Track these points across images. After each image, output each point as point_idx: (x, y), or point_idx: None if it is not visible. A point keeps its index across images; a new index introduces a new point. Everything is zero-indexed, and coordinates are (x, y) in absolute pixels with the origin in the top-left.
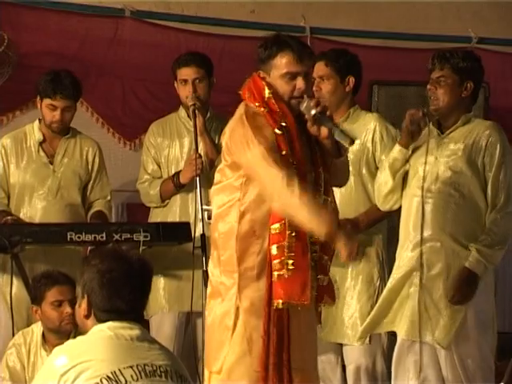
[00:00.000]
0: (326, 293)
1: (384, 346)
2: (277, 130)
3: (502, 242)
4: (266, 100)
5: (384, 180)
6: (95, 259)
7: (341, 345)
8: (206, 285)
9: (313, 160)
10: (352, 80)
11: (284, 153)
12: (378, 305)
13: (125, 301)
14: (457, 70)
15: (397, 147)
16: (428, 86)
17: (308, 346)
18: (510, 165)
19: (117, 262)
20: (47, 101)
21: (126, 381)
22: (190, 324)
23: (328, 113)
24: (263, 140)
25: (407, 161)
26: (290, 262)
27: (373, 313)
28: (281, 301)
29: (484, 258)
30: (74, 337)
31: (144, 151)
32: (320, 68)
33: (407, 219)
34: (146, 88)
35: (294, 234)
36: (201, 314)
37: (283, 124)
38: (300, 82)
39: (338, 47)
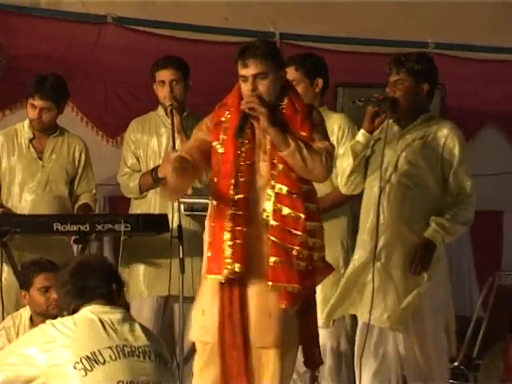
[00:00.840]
0: (283, 274)
1: (348, 327)
2: (208, 123)
3: (462, 222)
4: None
5: (347, 163)
6: (62, 269)
7: None
8: (183, 271)
9: (266, 151)
10: (321, 82)
11: (215, 143)
12: (339, 290)
13: (97, 281)
14: (412, 72)
15: (360, 132)
16: (387, 89)
17: (262, 325)
18: (468, 159)
19: (83, 259)
20: (30, 100)
21: (104, 361)
22: (167, 308)
23: (256, 108)
24: (199, 127)
25: (368, 147)
26: (210, 240)
27: (334, 297)
28: (206, 275)
29: (442, 229)
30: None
31: (124, 146)
32: (290, 73)
33: (367, 207)
34: (127, 89)
35: (215, 214)
36: (178, 299)
37: (222, 119)
38: (244, 86)
39: (303, 54)
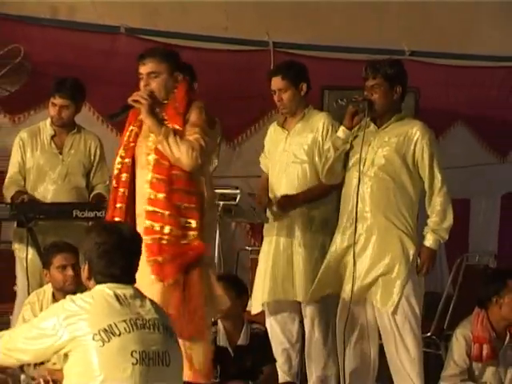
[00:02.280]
0: (155, 249)
1: (332, 303)
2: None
3: (447, 217)
4: None
5: (328, 157)
6: (93, 232)
7: (299, 302)
8: None
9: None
10: (305, 86)
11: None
12: (323, 269)
13: (118, 267)
14: (387, 77)
15: (341, 128)
16: (365, 93)
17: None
18: (438, 155)
19: (110, 235)
20: (51, 99)
21: (119, 332)
22: None
23: (138, 100)
24: None
25: (347, 142)
26: None
27: (319, 277)
28: None
29: (439, 236)
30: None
31: None
32: (277, 82)
33: (347, 196)
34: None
35: None
36: None
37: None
38: (140, 82)
39: (295, 59)
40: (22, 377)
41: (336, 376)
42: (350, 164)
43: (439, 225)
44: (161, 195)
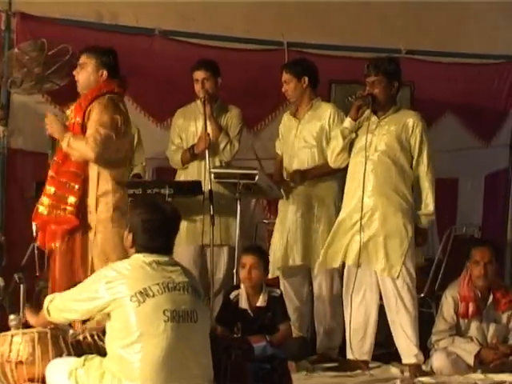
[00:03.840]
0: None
1: (339, 270)
2: None
3: (431, 199)
4: None
5: (336, 143)
6: (140, 208)
7: (309, 267)
8: (213, 224)
9: None
10: (306, 79)
11: None
12: (328, 241)
13: (159, 242)
14: (386, 74)
15: (347, 119)
16: (367, 88)
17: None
18: (428, 142)
19: (155, 212)
20: None
21: (153, 294)
22: (202, 253)
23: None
24: None
25: (353, 132)
26: None
27: (325, 249)
28: None
29: (429, 217)
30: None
31: (171, 129)
32: (283, 75)
33: (353, 178)
34: (171, 85)
35: None
36: (209, 246)
37: None
38: None
39: (306, 57)
40: (71, 331)
41: (341, 331)
42: (355, 150)
43: (427, 208)
44: (51, 173)
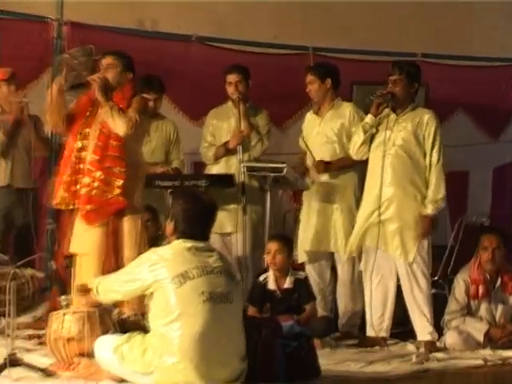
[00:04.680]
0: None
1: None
2: None
3: (440, 189)
4: None
5: (358, 137)
6: (180, 199)
7: (332, 252)
8: (245, 213)
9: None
10: (329, 81)
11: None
12: (356, 229)
13: (198, 229)
14: (409, 75)
15: (368, 115)
16: (390, 86)
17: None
18: (440, 138)
19: (195, 202)
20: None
21: (192, 277)
22: (233, 239)
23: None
24: None
25: (373, 127)
26: None
27: (352, 238)
28: None
29: (436, 205)
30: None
31: (204, 127)
32: (308, 77)
33: (373, 170)
34: (206, 87)
35: None
36: (241, 235)
37: None
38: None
39: (329, 61)
40: (116, 310)
41: (361, 311)
42: (375, 144)
43: (435, 196)
44: (96, 157)
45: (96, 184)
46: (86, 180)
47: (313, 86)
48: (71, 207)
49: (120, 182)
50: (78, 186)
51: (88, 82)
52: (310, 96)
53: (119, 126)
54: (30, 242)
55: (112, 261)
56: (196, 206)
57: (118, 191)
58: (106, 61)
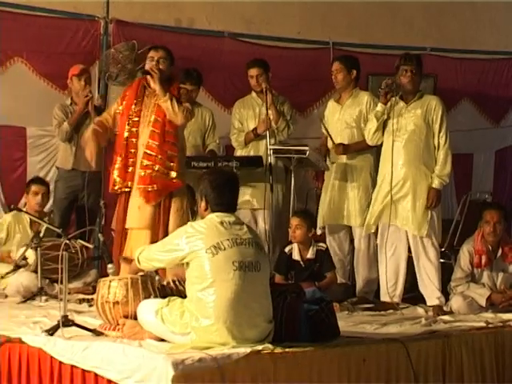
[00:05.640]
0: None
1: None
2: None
3: (446, 166)
4: None
5: (371, 124)
6: (205, 175)
7: (350, 226)
8: (272, 191)
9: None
10: (355, 72)
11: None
12: (372, 211)
13: (226, 198)
14: (416, 66)
15: (379, 104)
16: (400, 77)
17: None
18: (446, 121)
19: (218, 173)
20: (181, 85)
21: (224, 248)
22: (259, 214)
23: (153, 69)
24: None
25: (384, 114)
26: None
27: (369, 217)
28: None
29: (442, 180)
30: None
31: (232, 115)
32: (336, 65)
33: (387, 153)
34: (237, 79)
35: None
36: (268, 211)
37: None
38: (151, 63)
39: (344, 54)
40: (157, 277)
41: (376, 278)
42: (389, 130)
43: (441, 171)
44: (156, 143)
45: (157, 167)
46: (145, 163)
47: (339, 74)
48: (126, 189)
49: (175, 165)
50: (130, 169)
51: (132, 73)
52: (335, 83)
53: (178, 116)
54: (90, 220)
55: (161, 235)
56: (220, 176)
57: (174, 174)
58: (159, 54)
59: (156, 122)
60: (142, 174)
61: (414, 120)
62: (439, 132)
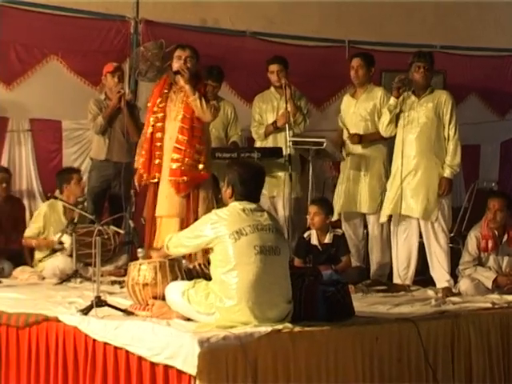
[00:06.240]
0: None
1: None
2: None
3: (456, 156)
4: None
5: (385, 117)
6: (235, 166)
7: (364, 213)
8: (290, 180)
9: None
10: (373, 69)
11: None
12: (387, 200)
13: (251, 190)
14: (429, 62)
15: (391, 98)
16: (414, 73)
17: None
18: (456, 113)
19: (247, 167)
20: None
21: (246, 233)
22: (278, 201)
23: (182, 68)
24: None
25: (397, 107)
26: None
27: (385, 205)
28: None
29: (452, 169)
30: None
31: (253, 109)
32: (357, 61)
33: (400, 144)
34: (258, 75)
35: None
36: (286, 198)
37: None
38: (178, 62)
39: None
40: (184, 262)
41: (389, 262)
42: (402, 123)
43: (452, 161)
44: (185, 138)
45: (186, 160)
46: (175, 156)
47: (361, 70)
48: (154, 180)
49: (202, 158)
50: (157, 161)
51: (160, 70)
52: (354, 78)
53: (206, 113)
54: (121, 207)
55: (189, 223)
56: (248, 170)
57: (201, 166)
58: (186, 53)
59: (184, 118)
60: (174, 166)
61: (426, 113)
62: (449, 124)
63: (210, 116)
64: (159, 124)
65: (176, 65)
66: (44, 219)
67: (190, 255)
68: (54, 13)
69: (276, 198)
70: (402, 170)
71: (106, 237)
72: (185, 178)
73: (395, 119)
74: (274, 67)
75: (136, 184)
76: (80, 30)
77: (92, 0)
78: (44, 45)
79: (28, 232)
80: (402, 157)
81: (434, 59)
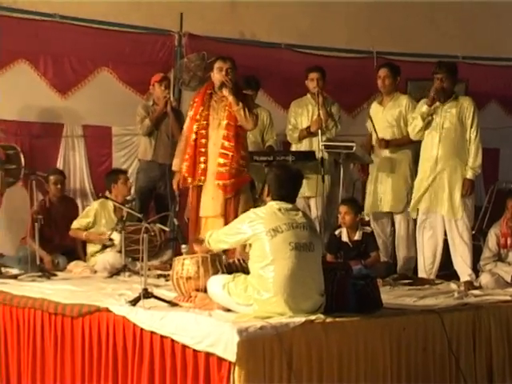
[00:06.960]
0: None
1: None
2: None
3: (477, 159)
4: None
5: (417, 123)
6: (274, 167)
7: (391, 212)
8: (323, 181)
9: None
10: (399, 78)
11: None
12: (415, 199)
13: (288, 191)
14: (451, 72)
15: (425, 106)
16: (438, 83)
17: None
18: (477, 118)
19: (285, 169)
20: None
21: (282, 230)
22: (312, 202)
23: (227, 80)
24: None
25: (429, 115)
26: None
27: (412, 204)
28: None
29: (474, 171)
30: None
31: (289, 114)
32: (385, 72)
33: (427, 148)
34: (294, 83)
35: None
36: (320, 198)
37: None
38: (220, 73)
39: (390, 62)
40: (224, 256)
41: (414, 257)
42: (428, 128)
43: (473, 164)
44: (231, 144)
45: (233, 165)
46: (222, 161)
47: (387, 79)
48: (199, 183)
49: (245, 162)
50: (202, 166)
51: (202, 79)
52: (381, 87)
53: (249, 122)
54: (167, 206)
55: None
56: (286, 172)
57: (245, 169)
58: (227, 65)
59: (228, 125)
60: (222, 170)
61: (450, 118)
62: (471, 127)
63: (252, 125)
64: (203, 131)
65: (217, 76)
66: (94, 215)
67: (230, 250)
68: (106, 28)
69: (309, 199)
70: (428, 171)
71: (152, 234)
72: (233, 180)
73: (426, 125)
74: (314, 75)
75: (174, 186)
76: (128, 43)
77: (140, 16)
78: (95, 57)
79: (76, 224)
80: (428, 159)
81: (456, 68)
